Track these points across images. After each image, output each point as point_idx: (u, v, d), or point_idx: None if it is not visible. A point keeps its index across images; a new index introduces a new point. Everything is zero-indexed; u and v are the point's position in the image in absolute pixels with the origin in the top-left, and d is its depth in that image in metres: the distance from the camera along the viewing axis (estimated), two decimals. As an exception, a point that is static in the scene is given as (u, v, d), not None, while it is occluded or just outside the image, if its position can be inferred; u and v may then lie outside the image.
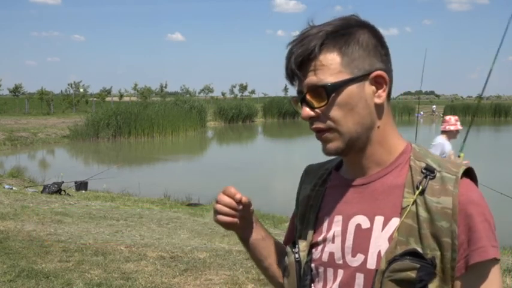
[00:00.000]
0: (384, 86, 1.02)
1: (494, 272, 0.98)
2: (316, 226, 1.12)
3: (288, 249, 1.14)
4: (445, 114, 55.64)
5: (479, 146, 24.61)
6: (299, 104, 1.05)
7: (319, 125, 1.03)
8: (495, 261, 0.97)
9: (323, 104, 1.00)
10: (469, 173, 1.03)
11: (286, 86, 76.56)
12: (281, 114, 47.38)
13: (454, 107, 58.40)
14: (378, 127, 1.04)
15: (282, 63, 1.05)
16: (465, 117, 54.25)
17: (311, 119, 1.03)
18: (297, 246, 1.12)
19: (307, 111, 1.02)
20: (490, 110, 54.21)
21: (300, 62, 1.00)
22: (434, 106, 61.97)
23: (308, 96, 1.01)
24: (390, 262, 0.96)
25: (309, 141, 28.30)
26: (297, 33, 1.04)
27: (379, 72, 1.01)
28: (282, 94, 68.68)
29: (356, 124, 1.01)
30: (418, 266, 0.95)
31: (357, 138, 1.02)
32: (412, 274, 0.95)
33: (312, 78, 1.00)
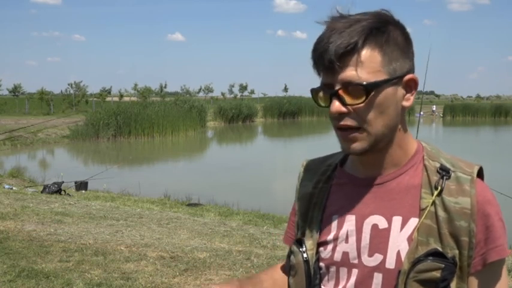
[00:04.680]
0: (413, 90, 1.02)
1: (504, 269, 1.02)
2: (323, 224, 1.10)
3: (294, 248, 1.11)
4: (444, 114, 55.85)
5: (479, 146, 24.63)
6: (320, 95, 1.01)
7: (349, 122, 0.98)
8: (505, 259, 1.01)
9: (359, 102, 0.96)
10: (479, 172, 1.04)
11: (286, 85, 76.75)
12: (281, 114, 47.35)
13: (453, 107, 58.46)
14: (399, 129, 1.04)
15: (309, 50, 0.97)
16: (465, 117, 54.40)
17: (340, 115, 0.98)
18: (303, 245, 1.10)
19: (338, 106, 0.97)
20: (490, 110, 54.20)
21: (340, 54, 0.94)
22: (434, 106, 61.94)
23: (342, 92, 0.97)
24: (415, 263, 0.97)
25: (308, 141, 28.33)
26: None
27: (412, 75, 1.01)
28: (282, 94, 68.73)
29: (384, 126, 0.99)
30: (443, 265, 0.96)
31: (382, 139, 1.01)
32: (437, 274, 0.96)
33: (350, 73, 0.95)
